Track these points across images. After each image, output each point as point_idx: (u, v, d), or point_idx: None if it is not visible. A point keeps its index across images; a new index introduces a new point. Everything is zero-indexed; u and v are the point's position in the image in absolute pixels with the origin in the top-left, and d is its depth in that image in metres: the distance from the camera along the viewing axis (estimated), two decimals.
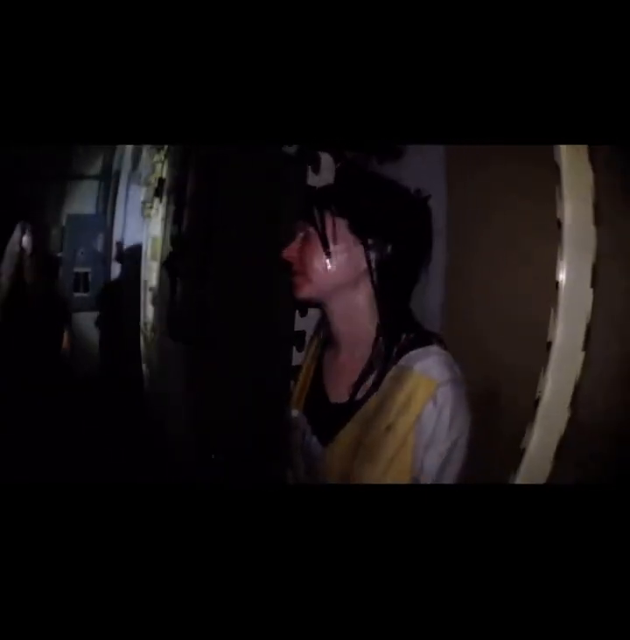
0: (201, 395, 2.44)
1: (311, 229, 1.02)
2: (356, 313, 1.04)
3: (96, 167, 3.08)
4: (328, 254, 1.00)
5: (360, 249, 1.01)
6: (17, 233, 1.40)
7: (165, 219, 2.36)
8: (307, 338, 1.42)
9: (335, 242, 1.00)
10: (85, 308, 3.15)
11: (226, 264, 2.32)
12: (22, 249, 1.49)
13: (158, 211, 2.35)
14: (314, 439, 1.08)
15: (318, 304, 1.09)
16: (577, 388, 0.96)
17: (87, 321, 3.10)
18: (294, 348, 1.56)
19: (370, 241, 1.00)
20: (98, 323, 3.01)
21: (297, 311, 1.54)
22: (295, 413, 1.14)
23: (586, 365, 0.95)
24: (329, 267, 1.01)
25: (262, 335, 1.98)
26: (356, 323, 1.04)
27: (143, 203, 2.32)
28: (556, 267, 0.94)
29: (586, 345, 0.94)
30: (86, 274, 3.21)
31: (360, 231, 1.00)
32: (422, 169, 1.35)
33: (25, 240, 1.58)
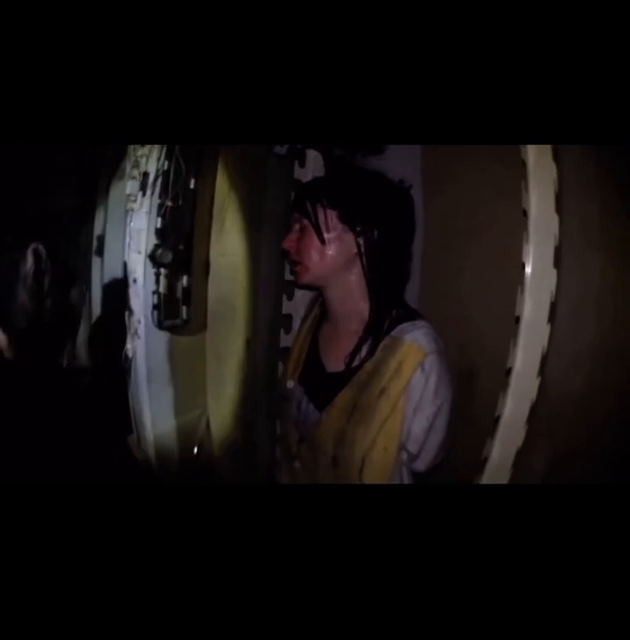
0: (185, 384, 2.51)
1: (306, 221, 1.11)
2: (350, 292, 1.14)
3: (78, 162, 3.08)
4: (322, 242, 1.10)
5: (350, 236, 1.11)
6: (30, 258, 1.41)
7: (149, 213, 2.41)
8: (294, 321, 1.51)
9: (328, 231, 1.10)
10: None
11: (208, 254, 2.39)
12: (37, 273, 1.50)
13: (142, 204, 2.40)
14: (311, 406, 1.18)
15: (317, 288, 1.20)
16: (545, 358, 1.08)
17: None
18: (282, 330, 1.65)
19: (358, 228, 1.11)
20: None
21: (284, 295, 1.63)
22: (290, 384, 1.24)
23: (552, 336, 1.07)
24: (324, 254, 1.11)
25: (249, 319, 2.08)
26: (351, 301, 1.15)
27: (128, 196, 2.37)
28: (522, 251, 1.05)
29: (551, 319, 1.06)
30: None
31: (350, 220, 1.11)
32: (402, 162, 1.46)
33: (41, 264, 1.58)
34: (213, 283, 2.49)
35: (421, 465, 1.17)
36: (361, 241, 1.11)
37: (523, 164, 1.03)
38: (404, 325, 1.12)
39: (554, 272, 1.04)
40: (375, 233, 1.11)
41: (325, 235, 1.11)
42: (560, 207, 0.99)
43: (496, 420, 1.11)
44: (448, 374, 1.10)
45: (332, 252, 1.12)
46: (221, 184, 2.33)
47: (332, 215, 1.11)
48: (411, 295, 1.46)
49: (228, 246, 2.35)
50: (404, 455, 1.15)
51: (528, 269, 1.06)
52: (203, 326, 2.53)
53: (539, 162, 1.02)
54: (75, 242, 2.35)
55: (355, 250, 1.12)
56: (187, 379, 2.56)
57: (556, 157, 1.01)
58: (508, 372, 1.09)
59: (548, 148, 1.02)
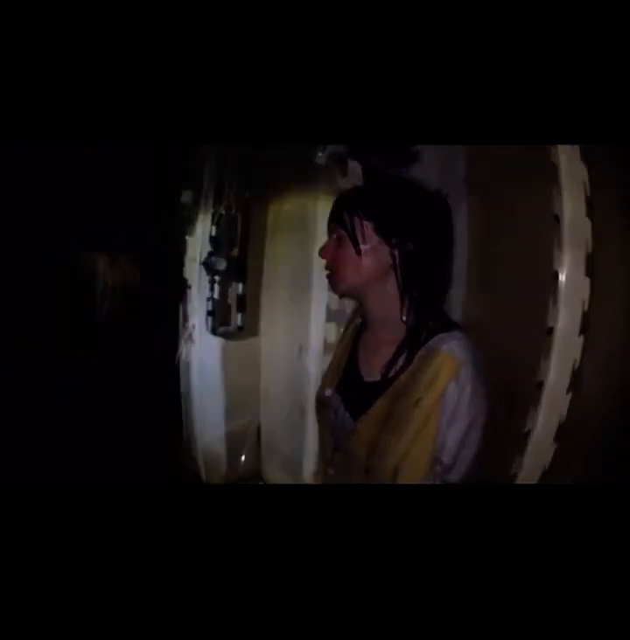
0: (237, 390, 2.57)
1: (343, 231, 1.13)
2: (387, 303, 1.15)
3: None
4: (358, 253, 1.11)
5: (385, 248, 1.12)
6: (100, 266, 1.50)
7: (203, 222, 2.49)
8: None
9: (364, 242, 1.11)
10: None
11: (261, 262, 2.45)
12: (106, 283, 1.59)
13: (197, 214, 2.49)
14: (347, 414, 1.18)
15: (355, 297, 1.22)
16: (577, 372, 1.03)
17: None
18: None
19: (394, 241, 1.11)
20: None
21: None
22: (328, 392, 1.25)
23: (585, 349, 1.02)
24: (359, 265, 1.12)
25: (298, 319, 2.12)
26: (387, 311, 1.15)
27: (182, 205, 2.47)
28: (553, 258, 1.01)
29: (584, 330, 1.01)
30: None
31: (385, 232, 1.11)
32: (442, 171, 1.44)
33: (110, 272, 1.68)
34: (267, 291, 2.54)
35: (455, 477, 1.15)
36: (396, 253, 1.12)
37: (554, 167, 0.99)
38: (441, 336, 1.11)
39: (587, 281, 0.99)
40: (410, 245, 1.11)
41: (361, 246, 1.11)
42: (591, 212, 0.95)
43: (526, 435, 1.08)
44: (484, 386, 1.08)
45: (367, 263, 1.12)
46: (273, 193, 2.39)
47: (369, 226, 1.12)
48: (457, 304, 1.45)
49: (281, 253, 2.39)
50: (438, 467, 1.14)
51: (561, 278, 1.01)
52: (256, 332, 2.59)
53: (569, 164, 0.98)
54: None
55: (390, 262, 1.12)
56: (239, 385, 2.62)
57: (586, 159, 0.97)
58: (540, 385, 1.05)
59: (576, 148, 0.98)
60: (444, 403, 1.06)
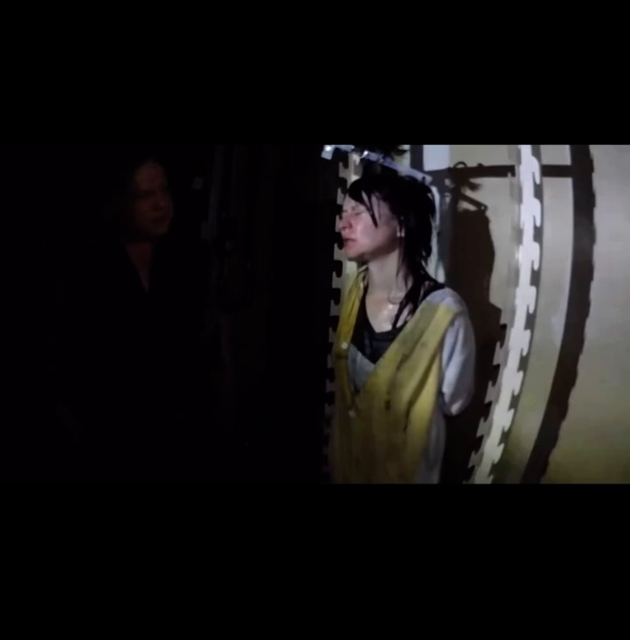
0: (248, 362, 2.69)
1: (361, 207, 1.43)
2: (391, 266, 1.47)
3: None
4: (375, 225, 1.42)
5: (395, 222, 1.43)
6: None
7: (213, 205, 2.66)
8: (342, 294, 1.82)
9: (379, 217, 1.42)
10: None
11: (269, 241, 2.68)
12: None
13: (208, 199, 2.65)
14: (365, 360, 1.48)
15: (364, 261, 1.53)
16: (533, 314, 1.37)
17: None
18: (332, 302, 1.95)
19: (401, 217, 1.43)
20: None
21: (333, 273, 1.92)
22: (345, 345, 1.54)
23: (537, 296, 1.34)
24: (375, 234, 1.42)
25: (304, 292, 2.37)
26: (393, 275, 1.47)
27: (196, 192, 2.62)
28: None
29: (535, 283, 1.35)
30: None
31: (396, 210, 1.43)
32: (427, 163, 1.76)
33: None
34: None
35: (453, 408, 1.46)
36: (403, 227, 1.43)
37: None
38: (437, 292, 1.42)
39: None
40: (412, 220, 1.43)
41: (378, 219, 1.42)
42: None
43: (496, 368, 1.39)
44: (471, 330, 1.40)
45: (381, 232, 1.42)
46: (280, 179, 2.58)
47: (384, 206, 1.42)
48: (441, 270, 1.79)
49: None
50: (441, 398, 1.44)
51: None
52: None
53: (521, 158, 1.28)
54: None
55: (398, 234, 1.43)
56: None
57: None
58: (503, 327, 1.37)
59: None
60: (444, 344, 1.38)
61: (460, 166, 1.71)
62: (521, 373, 1.43)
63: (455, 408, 1.45)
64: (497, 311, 1.50)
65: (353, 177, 1.71)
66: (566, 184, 1.46)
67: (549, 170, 1.39)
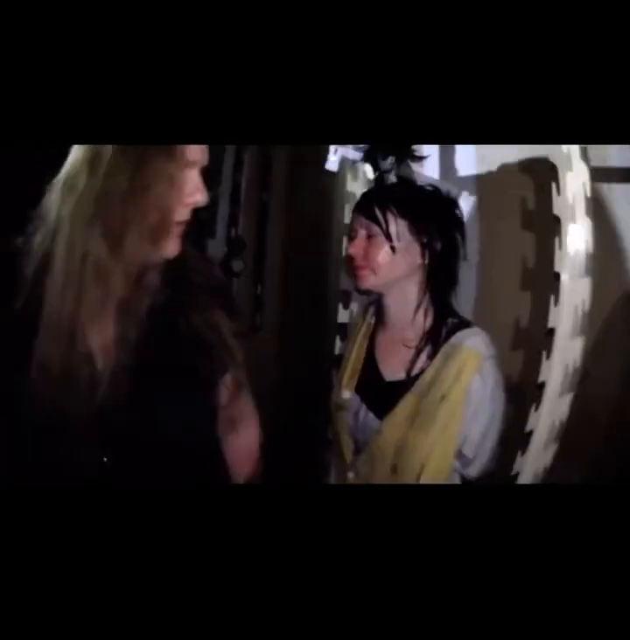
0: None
1: (375, 228, 1.16)
2: (409, 300, 1.19)
3: None
4: (393, 250, 1.15)
5: (416, 246, 1.15)
6: None
7: (220, 223, 2.53)
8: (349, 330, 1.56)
9: (398, 239, 1.15)
10: None
11: (278, 264, 2.50)
12: None
13: (216, 215, 2.53)
14: (370, 415, 1.21)
15: (377, 294, 1.24)
16: (578, 372, 1.07)
17: None
18: (337, 338, 1.71)
19: (425, 240, 1.15)
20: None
21: (340, 304, 1.68)
22: (346, 394, 1.27)
23: (585, 349, 1.05)
24: (392, 262, 1.16)
25: (309, 327, 2.16)
26: (409, 310, 1.19)
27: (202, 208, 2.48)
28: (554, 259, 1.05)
29: (584, 330, 1.05)
30: None
31: (418, 231, 1.15)
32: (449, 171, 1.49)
33: None
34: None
35: (473, 471, 1.18)
36: (427, 252, 1.15)
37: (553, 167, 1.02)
38: (463, 332, 1.15)
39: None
40: (438, 244, 1.15)
41: (396, 244, 1.15)
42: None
43: (529, 434, 1.12)
44: (502, 379, 1.12)
45: (399, 260, 1.16)
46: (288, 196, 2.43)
47: (402, 224, 1.15)
48: (467, 304, 1.50)
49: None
50: (459, 461, 1.17)
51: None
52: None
53: (568, 164, 1.01)
54: None
55: (420, 260, 1.16)
56: None
57: (586, 158, 0.99)
58: (541, 386, 1.09)
59: (576, 148, 1.00)
60: (469, 397, 1.10)
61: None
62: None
63: (475, 472, 1.17)
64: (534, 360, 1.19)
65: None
66: None
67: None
